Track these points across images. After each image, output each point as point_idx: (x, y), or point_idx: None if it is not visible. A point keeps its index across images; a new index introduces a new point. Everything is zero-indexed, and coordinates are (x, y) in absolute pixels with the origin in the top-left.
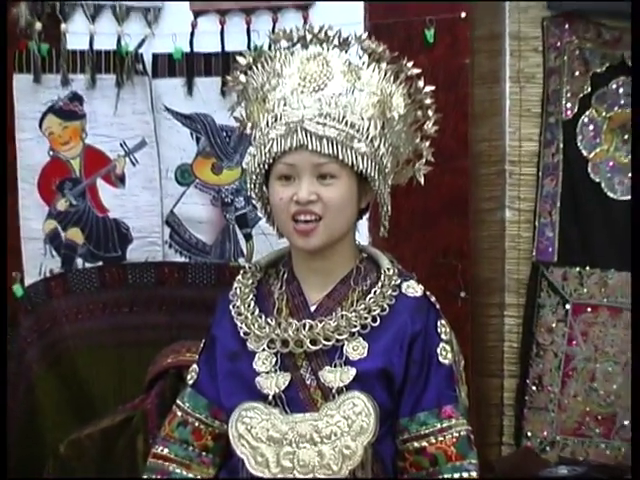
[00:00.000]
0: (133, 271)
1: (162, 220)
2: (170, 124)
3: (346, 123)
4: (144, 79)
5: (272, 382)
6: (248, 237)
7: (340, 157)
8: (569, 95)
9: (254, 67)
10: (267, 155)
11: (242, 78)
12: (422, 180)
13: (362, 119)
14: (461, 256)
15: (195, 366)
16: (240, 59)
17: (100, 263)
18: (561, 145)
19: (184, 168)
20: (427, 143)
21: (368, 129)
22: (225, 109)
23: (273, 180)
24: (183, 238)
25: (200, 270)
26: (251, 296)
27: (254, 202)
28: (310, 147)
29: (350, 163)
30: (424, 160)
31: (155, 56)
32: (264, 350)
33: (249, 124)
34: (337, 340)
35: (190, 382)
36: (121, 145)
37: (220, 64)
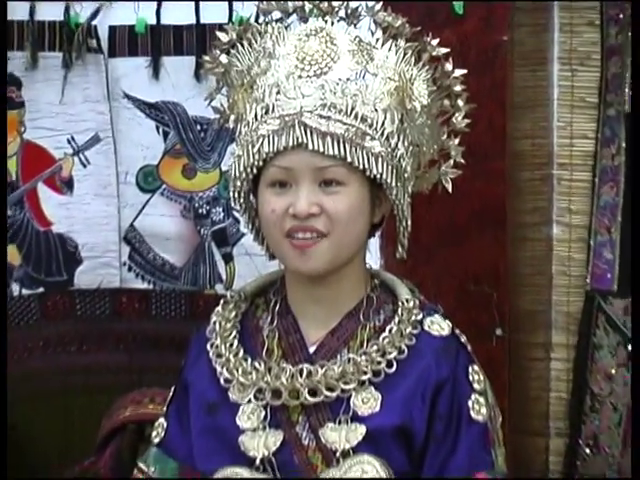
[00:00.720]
0: (83, 300)
1: (119, 236)
2: (131, 115)
3: (356, 116)
4: (98, 58)
5: (260, 442)
6: (228, 258)
7: (348, 159)
8: None
9: (238, 45)
10: (256, 156)
11: (223, 58)
12: (449, 186)
13: (376, 111)
14: (497, 283)
15: (162, 420)
16: (221, 34)
17: (41, 289)
18: (623, 144)
19: (148, 170)
20: (456, 140)
21: (383, 123)
22: (200, 96)
23: (264, 187)
24: (146, 259)
25: (167, 299)
26: (234, 333)
27: (237, 214)
28: (311, 146)
29: (361, 166)
30: (452, 161)
31: (113, 29)
32: (250, 402)
33: (232, 116)
34: (343, 390)
35: (156, 440)
36: (69, 141)
37: (194, 40)
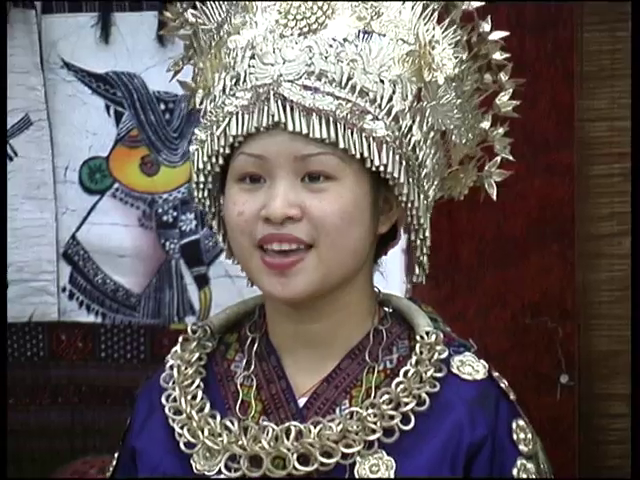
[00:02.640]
0: (8, 337)
1: (57, 252)
2: (72, 91)
3: (353, 88)
4: (28, 15)
5: None
6: (202, 281)
7: (341, 144)
8: None
9: None
10: (221, 141)
11: (190, 15)
12: (494, 193)
13: (381, 82)
14: (562, 314)
15: None
16: None
17: None
18: None
19: (95, 164)
20: (500, 129)
21: (391, 99)
22: (164, 66)
23: (231, 182)
24: (92, 283)
25: (121, 337)
26: (197, 381)
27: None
28: (291, 127)
29: (358, 154)
30: (498, 160)
31: None
32: (221, 473)
33: (200, 91)
34: (344, 455)
35: None
36: None
37: None
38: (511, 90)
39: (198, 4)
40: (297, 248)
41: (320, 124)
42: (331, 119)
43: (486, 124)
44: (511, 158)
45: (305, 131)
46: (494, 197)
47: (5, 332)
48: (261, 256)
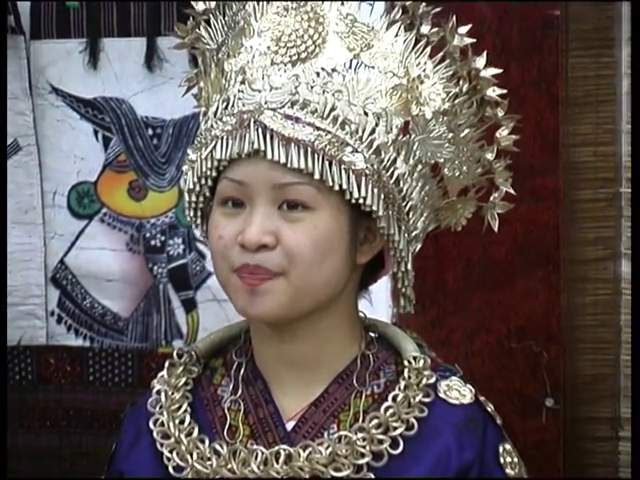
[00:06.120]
0: None
1: (45, 276)
2: (60, 115)
3: (335, 120)
4: (17, 40)
5: None
6: (190, 305)
7: (317, 175)
8: None
9: (211, 16)
10: (207, 164)
11: (202, 32)
12: (495, 225)
13: (365, 114)
14: (547, 338)
15: None
16: (195, 2)
17: None
18: None
19: (83, 189)
20: (502, 162)
21: (373, 132)
22: (152, 91)
23: (215, 205)
24: (81, 307)
25: (109, 360)
26: (184, 406)
27: (202, 246)
28: (269, 155)
29: (336, 186)
30: (504, 190)
31: (36, 3)
32: None
33: (202, 109)
34: (333, 478)
35: None
36: None
37: (145, 17)
38: (512, 125)
39: (202, 23)
40: (269, 277)
41: (298, 154)
42: (309, 150)
43: (490, 155)
44: (512, 192)
45: (283, 160)
46: (495, 229)
47: (5, 336)
48: (236, 278)
